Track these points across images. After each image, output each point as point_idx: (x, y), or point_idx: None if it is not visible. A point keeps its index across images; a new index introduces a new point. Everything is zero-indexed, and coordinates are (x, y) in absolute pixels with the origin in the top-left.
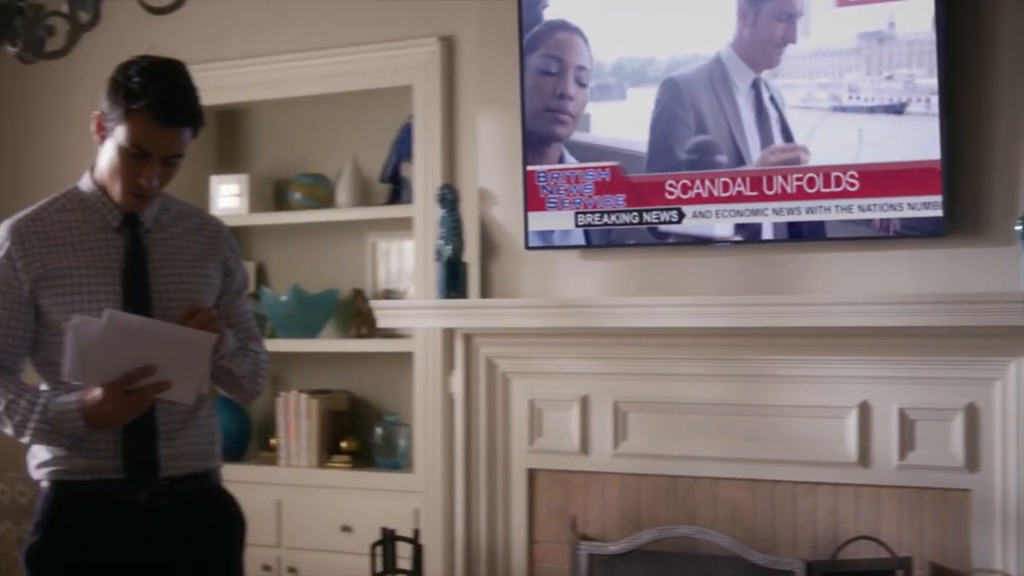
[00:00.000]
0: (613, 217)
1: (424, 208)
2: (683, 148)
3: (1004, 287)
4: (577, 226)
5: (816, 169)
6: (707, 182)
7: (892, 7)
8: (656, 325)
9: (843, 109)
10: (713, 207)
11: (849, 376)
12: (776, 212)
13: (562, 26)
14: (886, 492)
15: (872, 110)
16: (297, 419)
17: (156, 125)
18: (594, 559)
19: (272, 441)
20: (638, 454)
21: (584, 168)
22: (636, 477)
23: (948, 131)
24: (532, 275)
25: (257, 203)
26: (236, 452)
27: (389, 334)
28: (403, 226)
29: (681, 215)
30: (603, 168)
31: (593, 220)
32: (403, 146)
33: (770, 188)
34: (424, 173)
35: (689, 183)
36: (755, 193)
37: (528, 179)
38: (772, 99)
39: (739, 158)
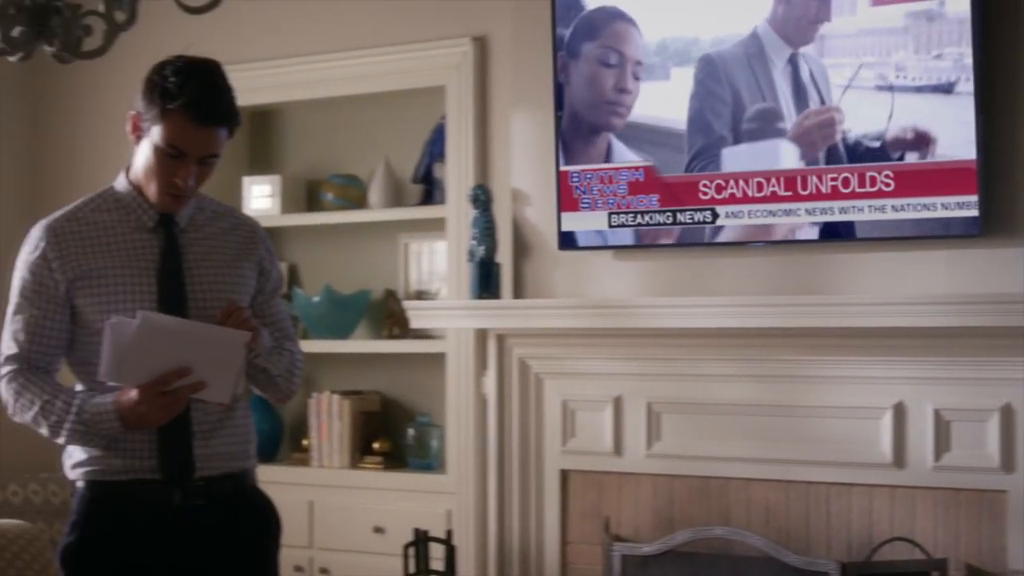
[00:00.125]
0: (647, 217)
1: (457, 209)
2: (722, 125)
3: None
4: (610, 226)
5: (851, 169)
6: (741, 182)
7: None
8: (690, 326)
9: (889, 88)
10: (747, 207)
11: (884, 377)
12: (809, 212)
13: (617, 15)
14: (921, 493)
15: (919, 89)
16: (329, 420)
17: (192, 125)
18: (627, 560)
19: (304, 442)
20: (671, 455)
21: (617, 168)
22: (669, 478)
23: (984, 131)
24: (565, 275)
25: (289, 204)
26: (268, 453)
27: (421, 335)
28: (435, 227)
29: (715, 215)
30: (636, 168)
31: (627, 220)
32: (436, 147)
33: (804, 188)
34: (457, 173)
35: (723, 183)
36: (789, 193)
37: (561, 179)
38: (812, 74)
39: (776, 131)
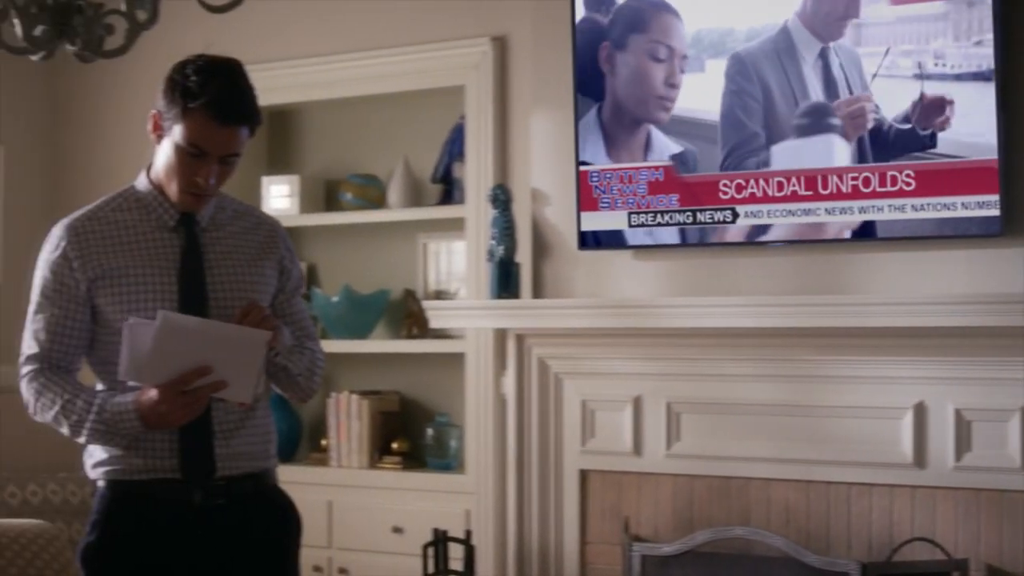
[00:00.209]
0: (667, 217)
1: (476, 208)
2: (756, 122)
3: None
4: (630, 226)
5: (872, 168)
6: (761, 181)
7: None
8: (709, 325)
9: (927, 77)
10: (767, 207)
11: (904, 377)
12: (829, 212)
13: (662, 6)
14: (942, 493)
15: (959, 77)
16: (348, 420)
17: (213, 124)
18: (647, 560)
19: (323, 442)
20: (691, 455)
21: (637, 168)
22: (689, 478)
23: (1005, 129)
24: (585, 275)
25: (308, 204)
26: (287, 453)
27: (440, 335)
28: (454, 227)
29: (735, 215)
30: (656, 168)
31: (646, 220)
32: (455, 146)
33: (824, 188)
34: (476, 173)
35: (743, 183)
36: (809, 193)
37: (581, 179)
38: (842, 67)
39: (828, 127)
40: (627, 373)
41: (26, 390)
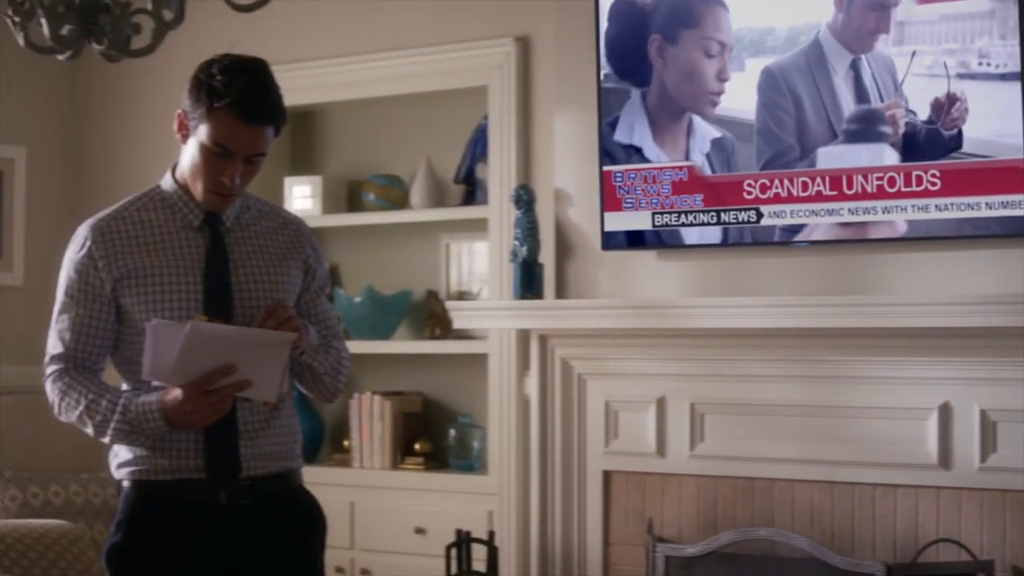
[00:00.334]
0: (690, 217)
1: (499, 209)
2: (789, 134)
3: None
4: (654, 226)
5: (897, 169)
6: (785, 182)
7: None
8: (733, 326)
9: (972, 76)
10: (791, 207)
11: (930, 377)
12: (853, 212)
13: (717, 1)
14: (967, 494)
15: (1004, 77)
16: (370, 421)
17: (239, 123)
18: (671, 561)
19: (345, 443)
20: (715, 456)
21: (661, 168)
22: (713, 479)
23: None
24: (608, 276)
25: (331, 204)
26: (309, 454)
27: (463, 335)
28: (477, 227)
29: (759, 215)
30: (680, 168)
31: (670, 220)
32: (478, 147)
33: (850, 187)
34: (499, 174)
35: (768, 183)
36: (834, 192)
37: (605, 179)
38: (874, 75)
39: (877, 135)
40: (650, 374)
41: (51, 390)
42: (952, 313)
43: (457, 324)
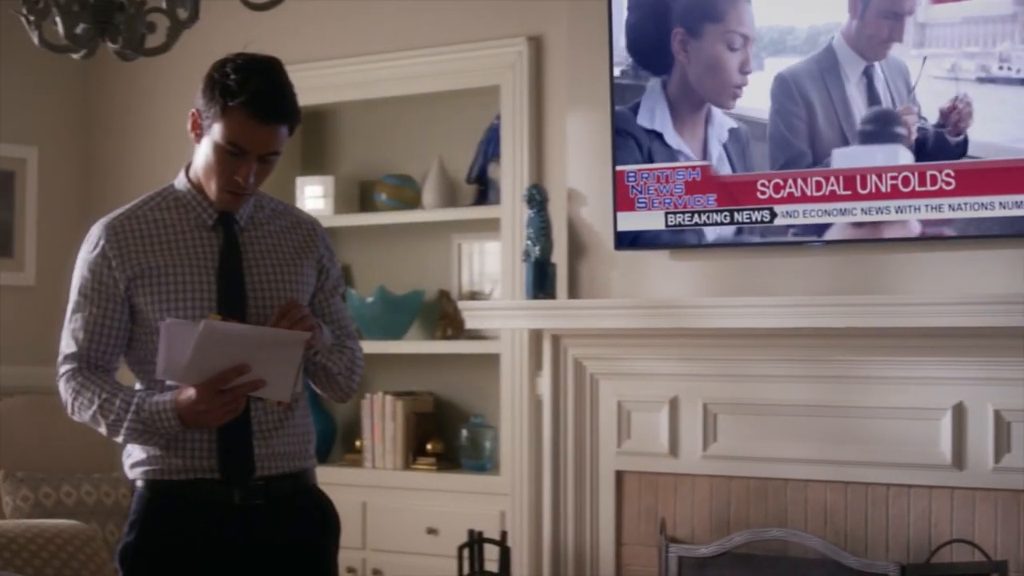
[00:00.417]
0: (703, 217)
1: (512, 209)
2: (801, 141)
3: None
4: (667, 226)
5: (911, 168)
6: (799, 181)
7: None
8: (746, 326)
9: (992, 80)
10: (804, 207)
11: (943, 377)
12: (865, 212)
13: None
14: (981, 495)
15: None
16: (382, 421)
17: (253, 122)
18: (684, 562)
19: (357, 443)
20: (728, 456)
21: (674, 168)
22: (726, 479)
23: None
24: (621, 275)
25: (342, 204)
26: (321, 454)
27: (475, 335)
28: (489, 227)
29: (772, 215)
30: (693, 168)
31: (683, 220)
32: (490, 146)
33: (864, 187)
34: (512, 173)
35: (781, 183)
36: (848, 192)
37: (617, 179)
38: (887, 81)
39: (892, 136)
40: (663, 374)
41: (64, 389)
42: (966, 313)
43: (470, 324)
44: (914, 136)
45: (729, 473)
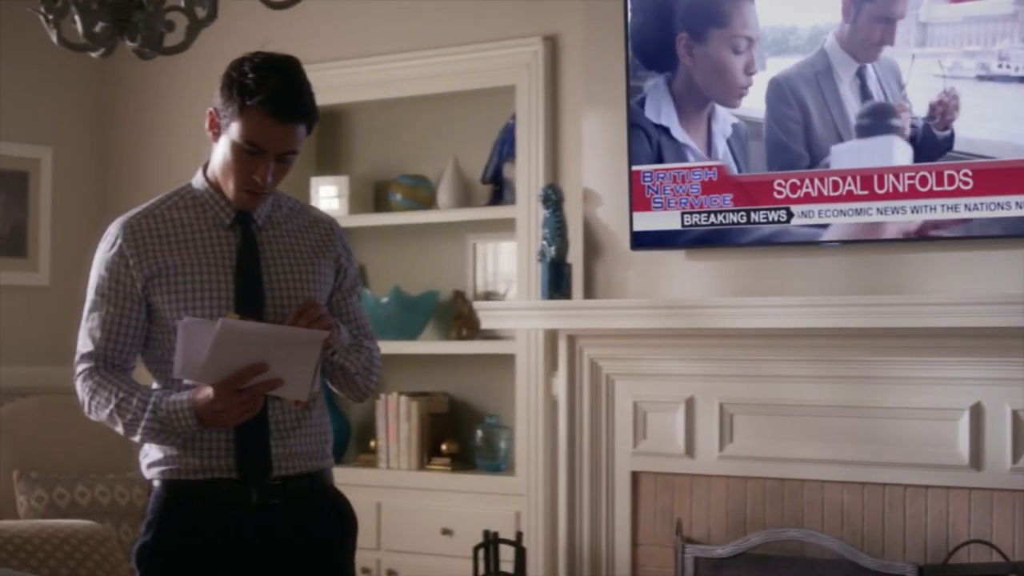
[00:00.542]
0: (720, 217)
1: (527, 209)
2: (798, 143)
3: None
4: (683, 226)
5: (928, 168)
6: (816, 181)
7: None
8: (763, 326)
9: (991, 78)
10: (821, 207)
11: (961, 378)
12: (882, 212)
13: None
14: (999, 495)
15: (1023, 80)
16: (397, 421)
17: (271, 121)
18: (700, 562)
19: (372, 443)
20: (744, 456)
21: (691, 168)
22: (742, 480)
23: None
24: (637, 276)
25: (357, 205)
26: (336, 454)
27: (490, 336)
28: (504, 227)
29: (789, 215)
30: (710, 168)
31: (699, 220)
32: (505, 146)
33: (880, 187)
34: (527, 173)
35: (798, 182)
36: (865, 192)
37: (633, 179)
38: (880, 81)
39: (888, 128)
40: (679, 374)
41: (80, 388)
42: (984, 313)
43: (485, 324)
44: (908, 132)
45: (745, 473)
